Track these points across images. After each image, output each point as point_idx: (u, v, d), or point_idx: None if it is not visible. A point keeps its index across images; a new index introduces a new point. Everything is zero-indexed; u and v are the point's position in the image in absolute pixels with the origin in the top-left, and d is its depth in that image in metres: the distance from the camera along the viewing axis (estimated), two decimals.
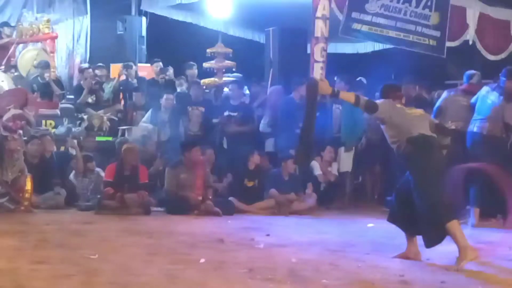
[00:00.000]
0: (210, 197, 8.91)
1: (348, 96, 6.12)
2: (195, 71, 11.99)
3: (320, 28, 10.98)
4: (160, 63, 12.25)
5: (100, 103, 11.38)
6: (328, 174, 9.87)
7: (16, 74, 11.65)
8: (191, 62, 12.07)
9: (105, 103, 11.47)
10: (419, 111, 6.24)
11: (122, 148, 9.08)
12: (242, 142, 10.01)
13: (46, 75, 11.23)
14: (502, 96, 8.34)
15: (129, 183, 8.74)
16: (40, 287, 4.65)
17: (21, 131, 9.45)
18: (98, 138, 10.35)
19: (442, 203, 5.73)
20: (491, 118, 8.32)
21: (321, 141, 10.00)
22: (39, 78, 11.33)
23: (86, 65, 12.49)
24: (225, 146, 10.44)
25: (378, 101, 6.08)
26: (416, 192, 5.81)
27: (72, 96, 11.72)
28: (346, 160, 10.17)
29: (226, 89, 11.61)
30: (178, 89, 11.36)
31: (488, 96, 8.44)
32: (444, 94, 9.19)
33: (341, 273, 5.27)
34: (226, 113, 10.29)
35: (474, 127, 8.41)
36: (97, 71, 11.84)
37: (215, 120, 10.40)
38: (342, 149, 10.11)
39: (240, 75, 11.87)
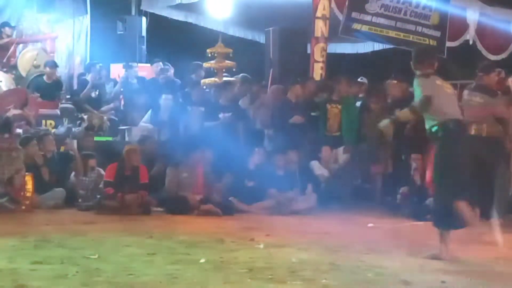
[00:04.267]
0: (213, 196, 8.92)
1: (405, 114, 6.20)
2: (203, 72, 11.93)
3: (320, 28, 11.00)
4: (160, 63, 12.24)
5: (102, 99, 11.41)
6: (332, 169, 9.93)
7: (16, 73, 11.67)
8: (199, 63, 11.99)
9: (105, 103, 11.50)
10: (450, 86, 6.20)
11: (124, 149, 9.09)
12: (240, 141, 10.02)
13: (57, 75, 11.32)
14: (486, 94, 8.34)
15: (129, 183, 8.75)
16: (40, 287, 4.66)
17: (20, 130, 9.46)
18: (98, 138, 10.34)
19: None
20: (485, 118, 8.31)
21: (319, 141, 10.03)
22: (45, 78, 11.35)
23: (95, 61, 12.51)
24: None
25: (420, 87, 5.90)
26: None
27: (69, 96, 11.74)
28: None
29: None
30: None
31: (471, 99, 8.44)
32: None
33: (341, 273, 5.27)
34: (220, 115, 10.24)
35: (472, 129, 8.38)
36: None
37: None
38: (340, 149, 10.09)
39: (246, 75, 11.83)
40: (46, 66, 11.41)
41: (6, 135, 8.85)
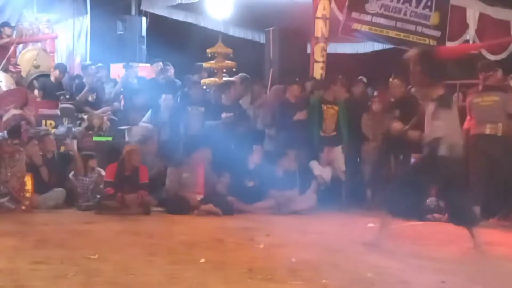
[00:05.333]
0: (213, 196, 8.92)
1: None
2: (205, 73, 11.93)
3: (320, 28, 11.00)
4: (160, 63, 12.25)
5: (100, 102, 11.39)
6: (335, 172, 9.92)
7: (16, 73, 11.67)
8: (202, 64, 11.99)
9: (105, 104, 11.50)
10: None
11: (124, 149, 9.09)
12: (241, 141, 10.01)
13: (63, 78, 11.39)
14: (500, 91, 8.32)
15: (129, 183, 8.75)
16: (40, 287, 4.65)
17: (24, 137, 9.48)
18: (98, 138, 10.34)
19: None
20: (501, 117, 8.28)
21: (318, 142, 10.02)
22: (52, 79, 11.36)
23: (90, 62, 12.50)
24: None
25: None
26: None
27: (68, 97, 11.75)
28: (342, 160, 10.14)
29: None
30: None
31: (483, 99, 8.41)
32: None
33: (341, 273, 5.27)
34: (223, 115, 10.24)
35: (486, 129, 8.34)
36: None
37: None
38: (338, 148, 10.08)
39: (245, 75, 11.83)
40: (56, 69, 11.45)
41: (16, 141, 8.87)
